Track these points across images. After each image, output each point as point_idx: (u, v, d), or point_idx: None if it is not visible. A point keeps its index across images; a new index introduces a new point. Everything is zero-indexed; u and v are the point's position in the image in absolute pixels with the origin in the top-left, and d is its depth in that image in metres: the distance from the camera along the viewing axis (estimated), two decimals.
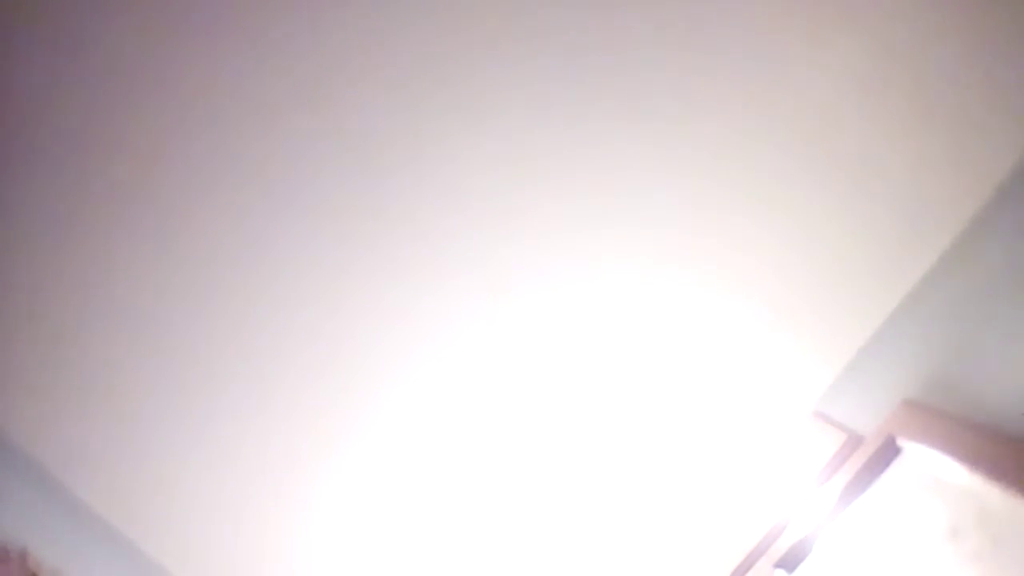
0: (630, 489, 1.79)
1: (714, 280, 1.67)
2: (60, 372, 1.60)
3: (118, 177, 1.52)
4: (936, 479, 1.25)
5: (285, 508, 1.71)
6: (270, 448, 1.67)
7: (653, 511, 1.81)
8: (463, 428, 1.71)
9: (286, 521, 1.71)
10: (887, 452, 1.39)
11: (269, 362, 1.63)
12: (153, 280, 1.57)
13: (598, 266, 1.64)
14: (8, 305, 1.57)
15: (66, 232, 1.54)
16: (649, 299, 1.67)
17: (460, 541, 1.78)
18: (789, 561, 1.45)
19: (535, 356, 1.68)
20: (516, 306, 1.65)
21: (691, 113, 1.56)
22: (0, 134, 1.50)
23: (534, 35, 1.49)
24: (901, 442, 1.37)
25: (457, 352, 1.66)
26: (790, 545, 1.46)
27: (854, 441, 1.53)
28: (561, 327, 1.67)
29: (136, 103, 1.49)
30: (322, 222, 1.56)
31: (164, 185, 1.53)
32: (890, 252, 1.67)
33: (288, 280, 1.59)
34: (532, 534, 1.79)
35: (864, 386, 1.64)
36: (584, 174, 1.58)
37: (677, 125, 1.57)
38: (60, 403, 1.61)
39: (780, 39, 1.53)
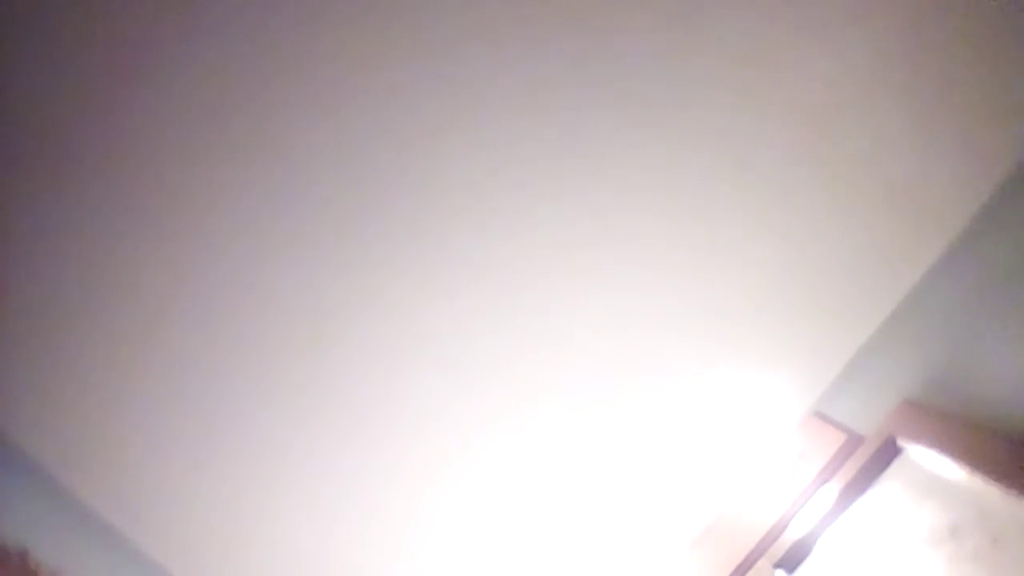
0: (630, 489, 1.79)
1: (713, 280, 1.67)
2: (60, 372, 1.60)
3: (118, 177, 1.52)
4: (936, 479, 1.25)
5: (285, 508, 1.71)
6: (270, 448, 1.67)
7: (653, 511, 1.81)
8: (463, 428, 1.71)
9: (286, 521, 1.71)
10: (887, 452, 1.39)
11: (270, 363, 1.63)
12: (153, 281, 1.57)
13: (597, 265, 1.64)
14: (8, 305, 1.57)
15: (66, 232, 1.54)
16: (648, 298, 1.67)
17: (460, 542, 1.78)
18: (789, 561, 1.45)
19: (535, 356, 1.68)
20: (516, 306, 1.65)
21: (691, 114, 1.56)
22: (2, 134, 1.50)
23: (534, 38, 1.49)
24: (901, 442, 1.37)
25: (457, 352, 1.66)
26: (790, 545, 1.46)
27: (854, 441, 1.53)
28: (561, 327, 1.67)
29: (136, 103, 1.49)
30: (322, 223, 1.56)
31: (164, 186, 1.53)
32: (890, 252, 1.67)
33: (288, 280, 1.59)
34: (531, 534, 1.79)
35: (864, 386, 1.64)
36: (583, 176, 1.58)
37: (677, 126, 1.57)
38: (60, 403, 1.61)
39: (780, 40, 1.53)
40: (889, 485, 1.36)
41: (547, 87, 1.52)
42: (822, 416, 1.68)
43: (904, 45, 1.54)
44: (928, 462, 1.30)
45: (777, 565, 1.46)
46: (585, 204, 1.60)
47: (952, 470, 1.23)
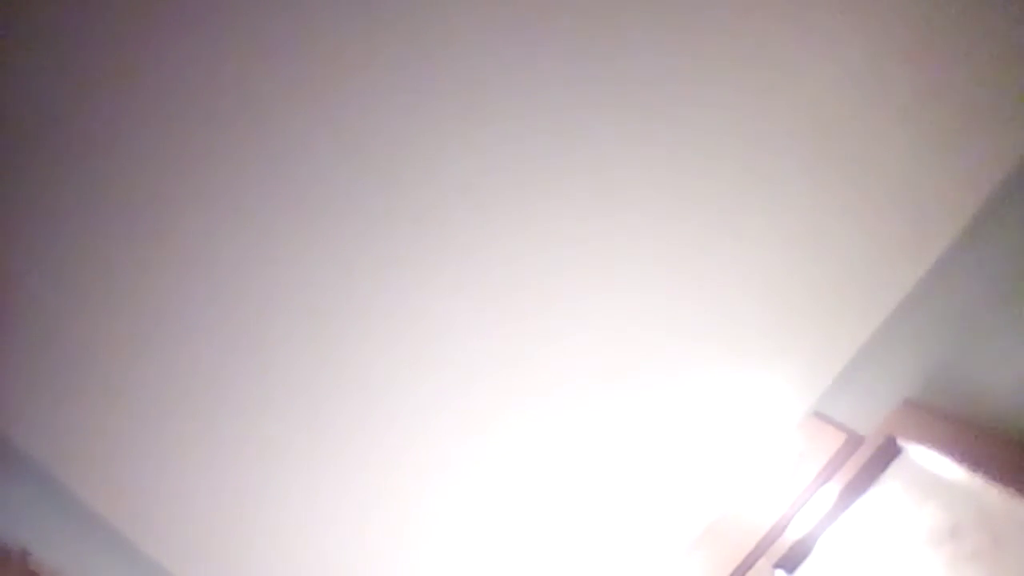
0: (630, 489, 1.79)
1: (714, 280, 1.67)
2: (60, 372, 1.60)
3: (118, 176, 1.52)
4: (936, 479, 1.25)
5: (285, 508, 1.71)
6: (271, 448, 1.67)
7: (653, 511, 1.81)
8: (463, 428, 1.71)
9: (286, 521, 1.71)
10: (887, 452, 1.39)
11: (270, 362, 1.63)
12: (153, 280, 1.57)
13: (597, 265, 1.64)
14: (8, 305, 1.57)
15: (66, 232, 1.54)
16: (649, 298, 1.67)
17: (460, 541, 1.78)
18: (789, 561, 1.45)
19: (535, 356, 1.68)
20: (515, 306, 1.65)
21: (692, 114, 1.56)
22: (0, 134, 1.50)
23: (536, 36, 1.49)
24: (901, 442, 1.37)
25: (457, 351, 1.66)
26: (790, 545, 1.46)
27: (854, 441, 1.53)
28: (561, 326, 1.67)
29: (137, 105, 1.49)
30: (324, 223, 1.56)
31: (164, 185, 1.53)
32: (890, 252, 1.67)
33: (290, 280, 1.59)
34: (530, 534, 1.79)
35: (864, 386, 1.64)
36: (585, 175, 1.58)
37: (678, 126, 1.57)
38: (60, 403, 1.61)
39: (780, 39, 1.53)
40: (889, 485, 1.36)
41: (548, 87, 1.52)
42: (822, 416, 1.68)
43: (904, 46, 1.54)
44: (928, 462, 1.30)
45: (777, 565, 1.46)
46: (585, 204, 1.60)
47: (952, 470, 1.23)
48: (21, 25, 1.44)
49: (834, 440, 1.57)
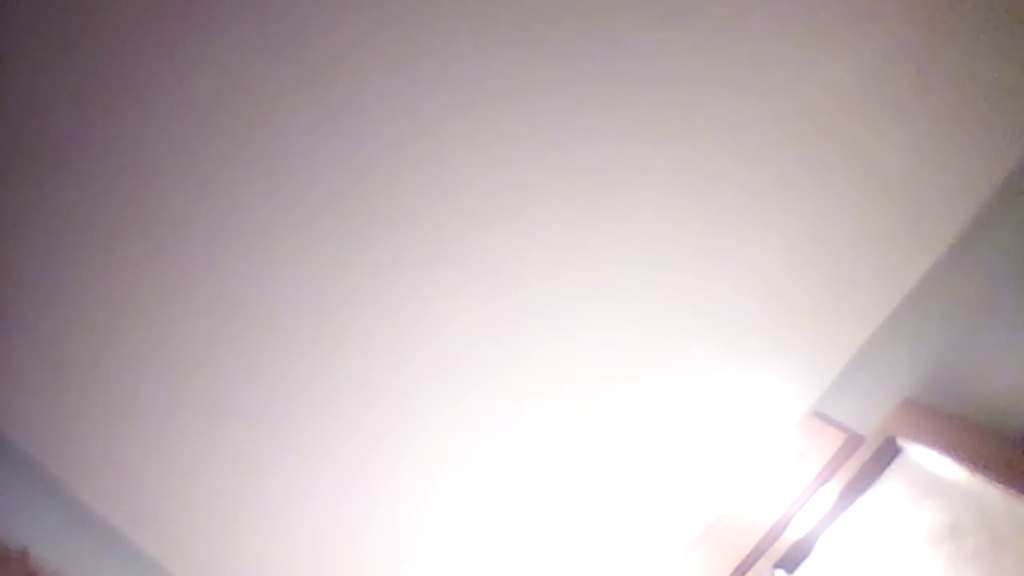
0: (630, 489, 1.79)
1: (714, 279, 1.67)
2: (60, 372, 1.60)
3: (118, 177, 1.52)
4: (936, 479, 1.26)
5: (285, 508, 1.71)
6: (271, 448, 1.67)
7: (653, 511, 1.81)
8: (462, 428, 1.71)
9: (286, 521, 1.71)
10: (887, 452, 1.39)
11: (270, 362, 1.63)
12: (153, 280, 1.57)
13: (597, 265, 1.64)
14: (8, 305, 1.57)
15: (66, 232, 1.54)
16: (649, 298, 1.67)
17: (459, 542, 1.78)
18: (789, 561, 1.45)
19: (535, 355, 1.68)
20: (515, 306, 1.64)
21: (692, 114, 1.56)
22: (0, 134, 1.50)
23: (537, 37, 1.49)
24: (901, 442, 1.37)
25: (456, 352, 1.66)
26: (790, 545, 1.46)
27: (854, 441, 1.53)
28: (561, 326, 1.67)
29: (137, 104, 1.49)
30: (323, 224, 1.56)
31: (164, 186, 1.53)
32: (890, 252, 1.67)
33: (288, 279, 1.59)
34: (530, 535, 1.79)
35: (864, 386, 1.64)
36: (584, 175, 1.58)
37: (678, 126, 1.57)
38: (60, 403, 1.61)
39: (780, 41, 1.53)
40: (889, 485, 1.36)
41: (548, 86, 1.52)
42: (822, 416, 1.68)
43: (906, 47, 1.54)
44: (928, 462, 1.30)
45: (777, 565, 1.46)
46: (586, 203, 1.60)
47: (952, 470, 1.23)
48: (21, 25, 1.44)
49: (834, 440, 1.57)
